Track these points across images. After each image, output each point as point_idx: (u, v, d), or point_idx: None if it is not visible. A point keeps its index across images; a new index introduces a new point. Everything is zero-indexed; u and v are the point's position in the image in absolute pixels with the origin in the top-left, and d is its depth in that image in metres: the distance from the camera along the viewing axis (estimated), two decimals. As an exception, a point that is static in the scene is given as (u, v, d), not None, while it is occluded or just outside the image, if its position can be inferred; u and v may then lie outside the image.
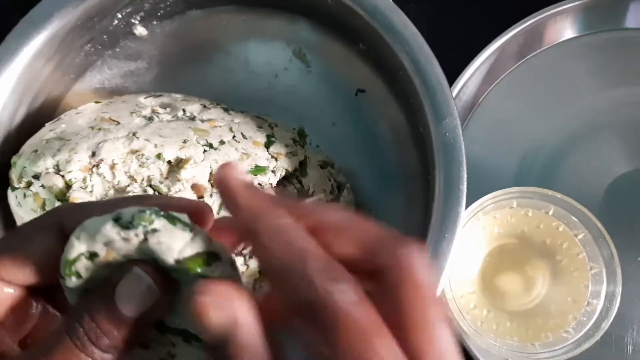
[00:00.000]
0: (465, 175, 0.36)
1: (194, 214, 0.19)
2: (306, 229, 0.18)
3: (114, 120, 0.39)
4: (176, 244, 0.17)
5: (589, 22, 0.46)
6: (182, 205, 0.20)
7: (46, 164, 0.36)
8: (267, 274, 0.18)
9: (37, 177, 0.36)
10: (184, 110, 0.41)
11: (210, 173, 0.38)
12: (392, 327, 0.16)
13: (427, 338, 0.16)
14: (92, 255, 0.18)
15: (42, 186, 0.35)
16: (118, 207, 0.18)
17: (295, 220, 0.18)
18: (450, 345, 0.17)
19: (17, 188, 0.36)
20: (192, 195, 0.37)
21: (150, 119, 0.40)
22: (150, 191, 0.37)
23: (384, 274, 0.17)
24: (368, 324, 0.16)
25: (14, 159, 0.38)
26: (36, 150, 0.37)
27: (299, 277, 0.16)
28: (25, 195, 0.36)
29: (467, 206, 0.41)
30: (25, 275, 0.19)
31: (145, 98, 0.42)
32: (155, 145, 0.37)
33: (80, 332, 0.17)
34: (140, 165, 0.36)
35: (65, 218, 0.20)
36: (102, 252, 0.18)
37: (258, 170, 0.39)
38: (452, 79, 0.45)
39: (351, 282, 0.16)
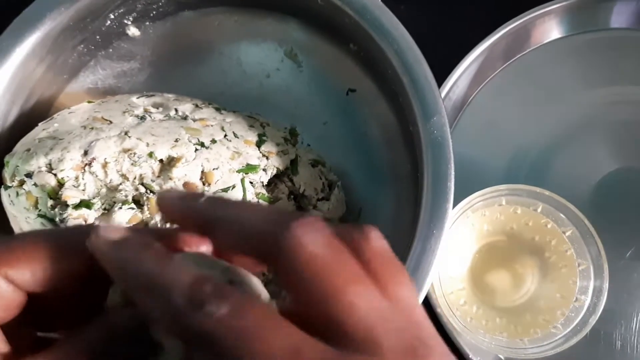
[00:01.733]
0: (452, 173, 0.36)
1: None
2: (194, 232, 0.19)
3: (106, 120, 0.39)
4: None
5: (575, 23, 0.47)
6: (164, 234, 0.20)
7: (39, 162, 0.36)
8: (242, 233, 0.18)
9: (29, 175, 0.36)
10: (176, 110, 0.42)
11: (202, 172, 0.38)
12: (301, 314, 0.16)
13: (340, 307, 0.16)
14: None
15: (35, 185, 0.36)
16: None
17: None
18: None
19: (9, 187, 0.37)
20: (183, 194, 0.37)
21: (142, 118, 0.40)
22: (142, 189, 0.37)
23: (278, 264, 0.17)
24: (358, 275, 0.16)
25: (6, 158, 0.38)
26: (29, 149, 0.37)
27: (165, 312, 0.16)
28: (17, 194, 0.36)
29: (456, 204, 0.42)
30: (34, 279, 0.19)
31: (137, 98, 0.43)
32: (147, 144, 0.37)
33: None
34: (132, 164, 0.37)
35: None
36: None
37: (249, 168, 0.39)
38: (441, 78, 0.45)
39: (214, 293, 0.16)
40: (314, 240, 0.16)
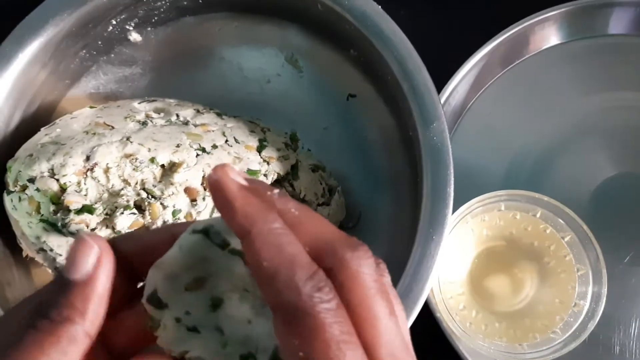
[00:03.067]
0: (452, 179, 0.37)
1: None
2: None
3: (108, 125, 0.40)
4: None
5: (573, 29, 0.47)
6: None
7: (41, 167, 0.36)
8: (257, 275, 0.19)
9: (32, 180, 0.36)
10: (177, 115, 0.42)
11: (203, 177, 0.38)
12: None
13: (375, 333, 0.18)
14: None
15: (37, 190, 0.36)
16: None
17: (286, 225, 0.19)
18: (397, 336, 0.18)
19: (12, 192, 0.37)
20: (185, 198, 0.38)
21: (144, 123, 0.40)
22: (144, 195, 0.37)
23: (332, 274, 0.18)
24: (342, 334, 0.17)
25: (9, 163, 0.38)
26: (31, 155, 0.37)
27: (287, 282, 0.18)
28: (20, 199, 0.36)
29: (455, 209, 0.42)
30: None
31: (139, 103, 0.43)
32: (149, 150, 0.38)
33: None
34: (134, 169, 0.37)
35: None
36: None
37: (250, 173, 0.40)
38: (441, 84, 0.46)
39: (331, 290, 0.18)
40: (370, 272, 0.19)
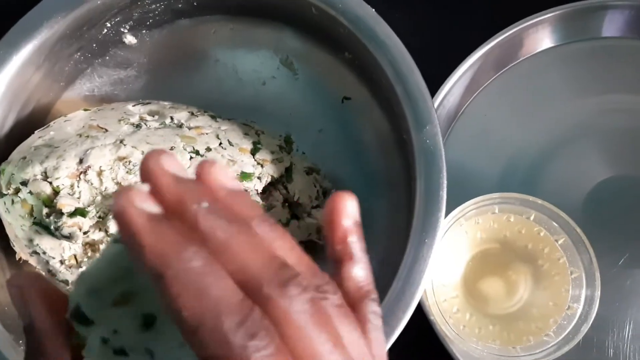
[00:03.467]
0: (445, 182, 0.37)
1: None
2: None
3: (102, 128, 0.40)
4: None
5: (567, 32, 0.47)
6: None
7: (34, 170, 0.36)
8: (178, 325, 0.16)
9: (25, 183, 0.36)
10: (171, 118, 0.42)
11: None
12: None
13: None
14: None
15: (30, 193, 0.36)
16: None
17: (210, 256, 0.16)
18: None
19: (5, 194, 0.37)
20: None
21: (138, 126, 0.40)
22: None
23: (266, 309, 0.16)
24: None
25: (2, 165, 0.38)
26: (24, 157, 0.37)
27: (214, 334, 0.15)
28: (13, 202, 0.36)
29: (449, 212, 0.42)
30: None
31: (133, 106, 0.43)
32: (142, 152, 0.38)
33: None
34: (127, 172, 0.37)
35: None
36: None
37: (244, 176, 0.40)
38: (436, 86, 0.46)
39: (268, 334, 0.16)
40: (302, 308, 0.17)
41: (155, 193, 0.17)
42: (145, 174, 0.18)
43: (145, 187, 0.17)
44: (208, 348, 0.15)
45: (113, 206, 0.17)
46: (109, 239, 0.36)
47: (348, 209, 0.21)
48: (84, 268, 0.19)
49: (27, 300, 0.19)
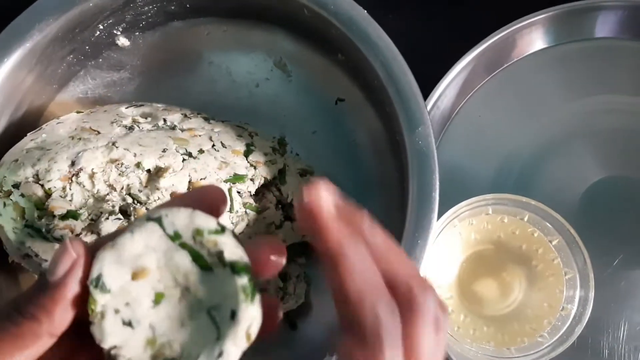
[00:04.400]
0: (437, 183, 0.36)
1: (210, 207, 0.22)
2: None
3: (94, 130, 0.40)
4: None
5: (560, 33, 0.47)
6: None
7: (26, 173, 0.36)
8: (336, 295, 0.21)
9: (16, 186, 0.36)
10: (164, 120, 0.42)
11: (189, 182, 0.38)
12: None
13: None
14: None
15: (22, 195, 0.36)
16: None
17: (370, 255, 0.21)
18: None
19: (-3, 197, 0.37)
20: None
21: (130, 128, 0.40)
22: (129, 200, 0.37)
23: (400, 303, 0.21)
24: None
25: (-6, 168, 0.38)
26: (16, 160, 0.37)
27: (369, 308, 0.20)
28: (5, 204, 0.36)
29: (442, 213, 0.42)
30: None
31: (126, 108, 0.43)
32: (135, 155, 0.37)
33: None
34: (119, 174, 0.37)
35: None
36: None
37: (237, 178, 0.40)
38: (430, 87, 0.46)
39: (399, 323, 0.21)
40: (436, 311, 0.22)
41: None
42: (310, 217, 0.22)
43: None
44: (363, 318, 0.20)
45: (301, 200, 0.21)
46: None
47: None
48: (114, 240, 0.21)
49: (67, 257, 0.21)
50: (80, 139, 0.38)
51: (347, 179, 0.45)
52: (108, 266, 0.21)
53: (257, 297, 0.21)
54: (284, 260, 0.23)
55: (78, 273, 0.20)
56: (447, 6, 0.50)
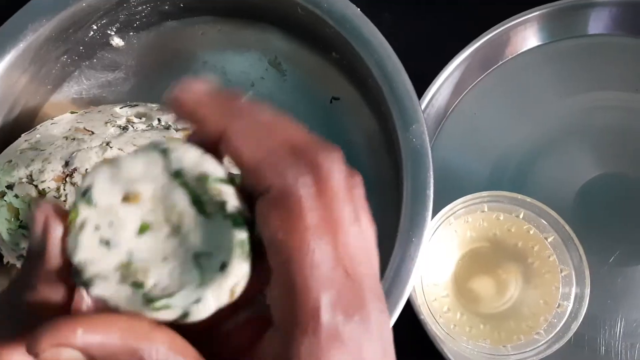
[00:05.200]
0: (432, 181, 0.36)
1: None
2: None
3: (88, 130, 0.39)
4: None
5: (554, 30, 0.47)
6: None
7: (20, 174, 0.36)
8: (240, 167, 0.19)
9: (10, 187, 0.36)
10: (159, 120, 0.42)
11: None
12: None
13: (339, 234, 0.18)
14: None
15: (16, 196, 0.36)
16: None
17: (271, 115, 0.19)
18: (359, 241, 0.19)
19: (-9, 198, 0.37)
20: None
21: (124, 128, 0.40)
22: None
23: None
24: (321, 221, 0.18)
25: (-12, 169, 0.38)
26: (10, 161, 0.37)
27: (273, 168, 0.18)
28: (-1, 205, 0.36)
29: (438, 210, 0.42)
30: None
31: (121, 108, 0.43)
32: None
33: None
34: (113, 174, 0.37)
35: None
36: None
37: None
38: (424, 85, 0.45)
39: (312, 179, 0.18)
40: (339, 177, 0.19)
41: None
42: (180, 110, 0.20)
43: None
44: (267, 179, 0.18)
45: (168, 97, 0.19)
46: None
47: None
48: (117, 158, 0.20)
49: (48, 227, 0.19)
50: (74, 139, 0.38)
51: (342, 178, 0.45)
52: (101, 180, 0.19)
53: (251, 257, 0.19)
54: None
55: (56, 232, 0.19)
56: (441, 4, 0.50)
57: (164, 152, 0.20)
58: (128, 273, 0.19)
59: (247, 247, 0.19)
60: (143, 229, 0.20)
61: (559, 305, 0.41)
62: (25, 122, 0.44)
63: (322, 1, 0.39)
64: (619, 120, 0.47)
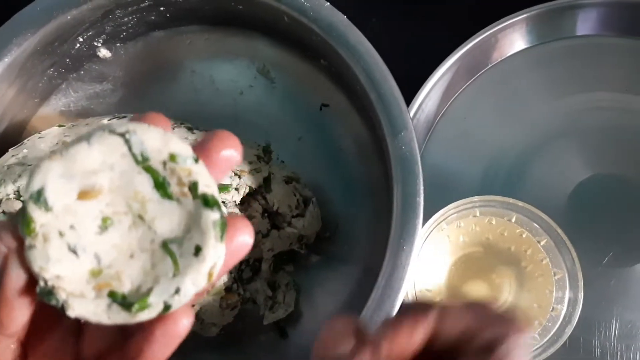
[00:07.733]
0: (422, 188, 0.36)
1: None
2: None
3: (75, 144, 0.39)
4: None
5: (541, 32, 0.47)
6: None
7: (7, 190, 0.36)
8: None
9: (-3, 203, 0.36)
10: (147, 131, 0.42)
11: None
12: None
13: None
14: None
15: (3, 212, 0.36)
16: None
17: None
18: None
19: (-22, 215, 0.36)
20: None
21: (112, 141, 0.40)
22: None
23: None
24: None
25: (-25, 185, 0.38)
26: (-3, 177, 0.37)
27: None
28: (-14, 222, 0.36)
29: (430, 216, 0.42)
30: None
31: (108, 120, 0.42)
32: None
33: None
34: (101, 188, 0.37)
35: None
36: None
37: (221, 188, 0.39)
38: (413, 91, 0.45)
39: None
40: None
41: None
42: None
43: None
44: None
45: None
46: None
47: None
48: (65, 149, 0.18)
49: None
50: (61, 153, 0.38)
51: (333, 186, 0.45)
52: (53, 179, 0.17)
53: (225, 237, 0.18)
54: (238, 156, 0.20)
55: (14, 267, 0.17)
56: (428, 9, 0.50)
57: (122, 135, 0.18)
58: (101, 282, 0.18)
59: (220, 227, 0.18)
60: (104, 224, 0.18)
61: (553, 309, 0.41)
62: (12, 136, 0.44)
63: (308, 9, 0.39)
64: (609, 121, 0.47)
